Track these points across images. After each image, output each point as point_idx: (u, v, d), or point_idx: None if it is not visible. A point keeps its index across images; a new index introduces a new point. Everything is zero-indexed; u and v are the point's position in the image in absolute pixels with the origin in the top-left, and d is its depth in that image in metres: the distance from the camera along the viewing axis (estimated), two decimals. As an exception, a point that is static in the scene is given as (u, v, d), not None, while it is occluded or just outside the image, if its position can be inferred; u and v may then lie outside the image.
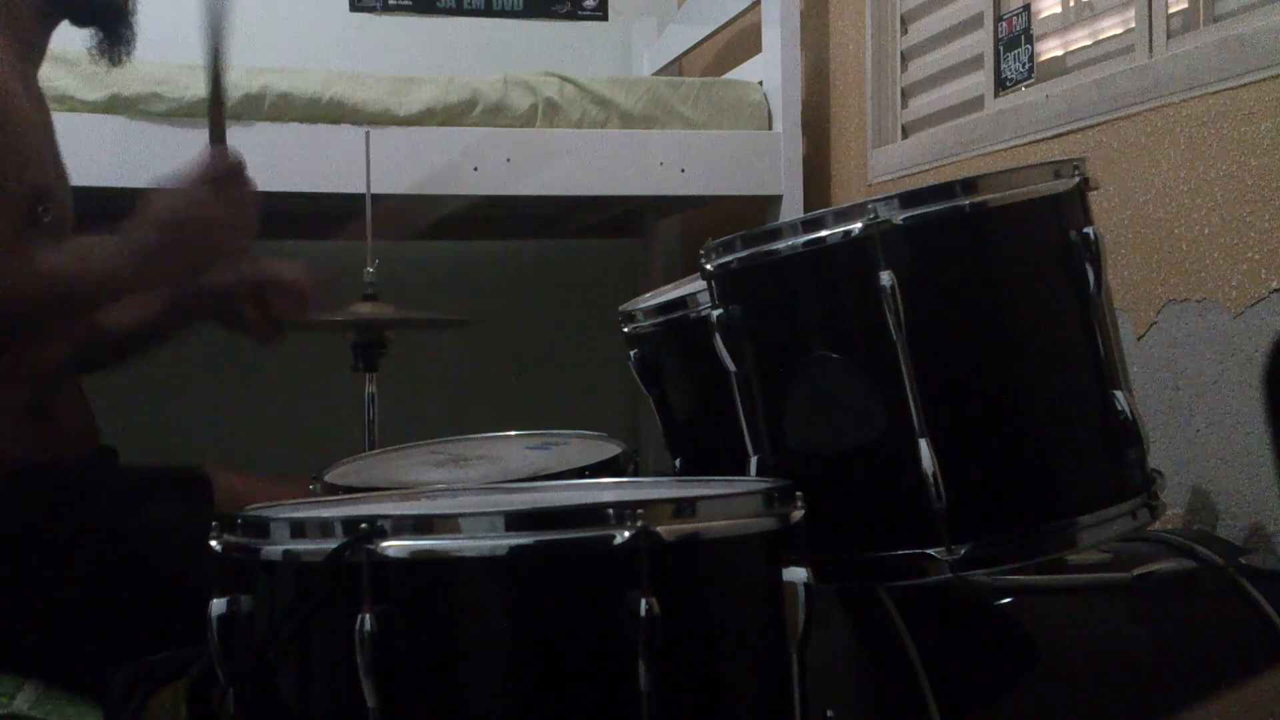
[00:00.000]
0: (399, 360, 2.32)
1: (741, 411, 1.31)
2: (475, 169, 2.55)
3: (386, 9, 3.47)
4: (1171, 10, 1.85)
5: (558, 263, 3.59)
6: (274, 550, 0.93)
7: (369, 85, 2.53)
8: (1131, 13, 1.93)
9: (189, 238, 1.41)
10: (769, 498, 0.97)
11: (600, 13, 3.62)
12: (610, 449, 1.53)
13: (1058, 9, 2.18)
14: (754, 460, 1.30)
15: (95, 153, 2.32)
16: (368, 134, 2.25)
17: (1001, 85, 2.25)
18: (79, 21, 1.58)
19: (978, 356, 1.24)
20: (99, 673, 1.23)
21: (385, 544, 0.87)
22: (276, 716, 0.94)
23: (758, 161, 2.70)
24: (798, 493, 0.98)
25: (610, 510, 0.88)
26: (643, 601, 0.85)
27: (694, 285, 1.48)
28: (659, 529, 0.88)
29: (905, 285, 1.17)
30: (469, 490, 1.30)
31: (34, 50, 1.54)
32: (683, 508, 0.92)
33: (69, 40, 1.66)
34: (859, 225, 1.19)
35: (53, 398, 1.49)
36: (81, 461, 1.52)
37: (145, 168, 2.36)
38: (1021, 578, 1.33)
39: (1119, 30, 2.00)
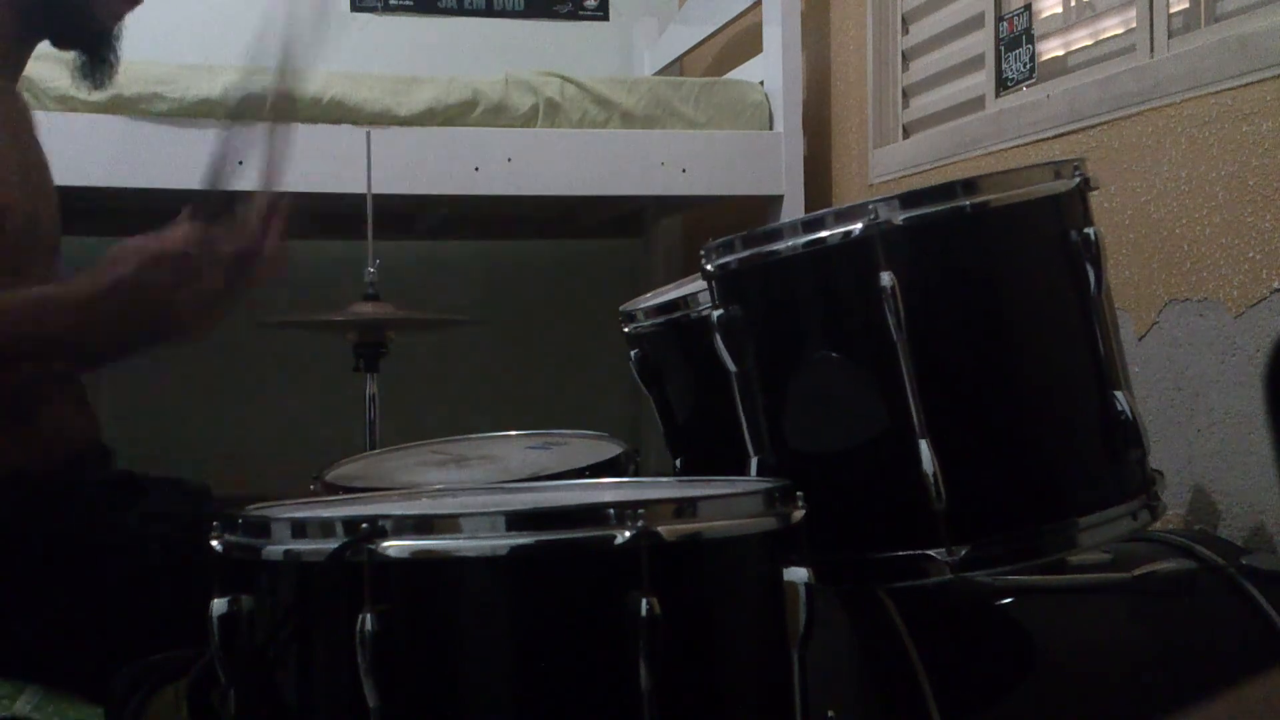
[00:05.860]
0: (400, 360, 2.33)
1: (742, 411, 1.31)
2: (476, 169, 2.55)
3: (387, 9, 3.47)
4: (1173, 10, 1.85)
5: (558, 263, 3.59)
6: (275, 550, 0.92)
7: (369, 85, 2.53)
8: (1133, 12, 1.93)
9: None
10: (770, 498, 0.97)
11: (601, 13, 3.62)
12: (611, 449, 1.53)
13: (1059, 9, 2.18)
14: (754, 460, 1.29)
15: (95, 153, 2.32)
16: (368, 134, 2.25)
17: (1002, 85, 2.25)
18: (61, 44, 1.55)
19: (978, 357, 1.24)
20: (99, 673, 1.23)
21: (386, 544, 0.87)
22: (277, 716, 0.94)
23: (758, 161, 2.70)
24: (798, 493, 0.98)
25: (611, 510, 0.88)
26: (643, 601, 0.85)
27: (694, 285, 1.48)
28: (660, 529, 0.88)
29: (905, 285, 1.17)
30: (470, 490, 1.30)
31: (10, 65, 1.52)
32: (683, 508, 0.92)
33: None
34: (859, 225, 1.19)
35: (37, 403, 1.47)
36: (73, 463, 1.51)
37: (145, 168, 2.39)
38: (1022, 578, 1.33)
39: (1120, 30, 1.99)
